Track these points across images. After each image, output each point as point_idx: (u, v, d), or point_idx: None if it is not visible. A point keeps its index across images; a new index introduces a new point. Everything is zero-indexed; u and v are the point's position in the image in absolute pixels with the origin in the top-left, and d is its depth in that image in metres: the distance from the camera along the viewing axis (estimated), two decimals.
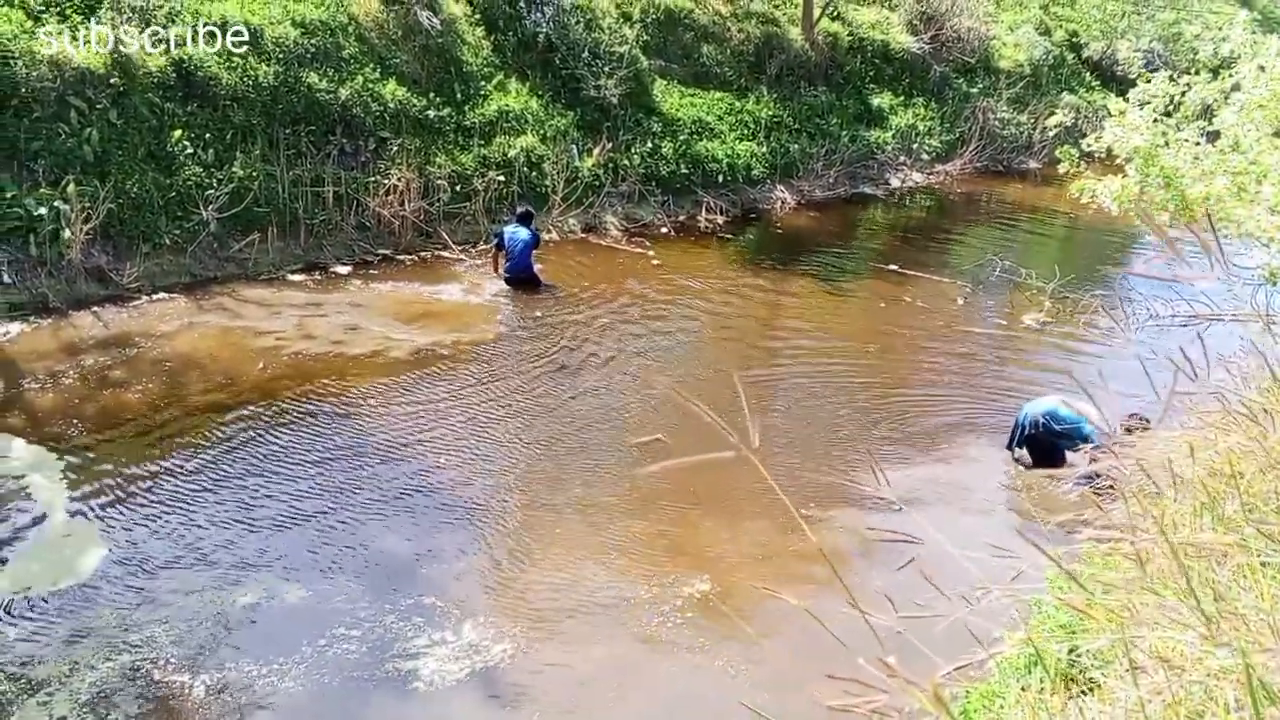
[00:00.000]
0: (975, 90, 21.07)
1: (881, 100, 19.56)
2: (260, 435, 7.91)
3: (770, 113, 17.44)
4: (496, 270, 11.69)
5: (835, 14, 19.93)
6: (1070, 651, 3.34)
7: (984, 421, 9.51)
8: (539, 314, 10.89)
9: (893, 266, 13.82)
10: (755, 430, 2.24)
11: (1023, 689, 3.40)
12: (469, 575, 6.54)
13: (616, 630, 6.16)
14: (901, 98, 19.92)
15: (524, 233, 11.46)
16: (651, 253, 13.40)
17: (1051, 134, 18.95)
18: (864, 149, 18.26)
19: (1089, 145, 8.95)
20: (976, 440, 9.14)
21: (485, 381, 9.24)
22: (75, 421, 7.81)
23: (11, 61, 10.10)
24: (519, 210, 11.97)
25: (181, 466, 7.39)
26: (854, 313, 12.20)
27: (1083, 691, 3.22)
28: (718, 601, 6.38)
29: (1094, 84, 23.85)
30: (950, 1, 21.16)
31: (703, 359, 10.48)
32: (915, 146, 19.30)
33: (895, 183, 18.51)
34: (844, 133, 18.10)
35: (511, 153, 13.62)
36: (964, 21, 21.37)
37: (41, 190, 9.93)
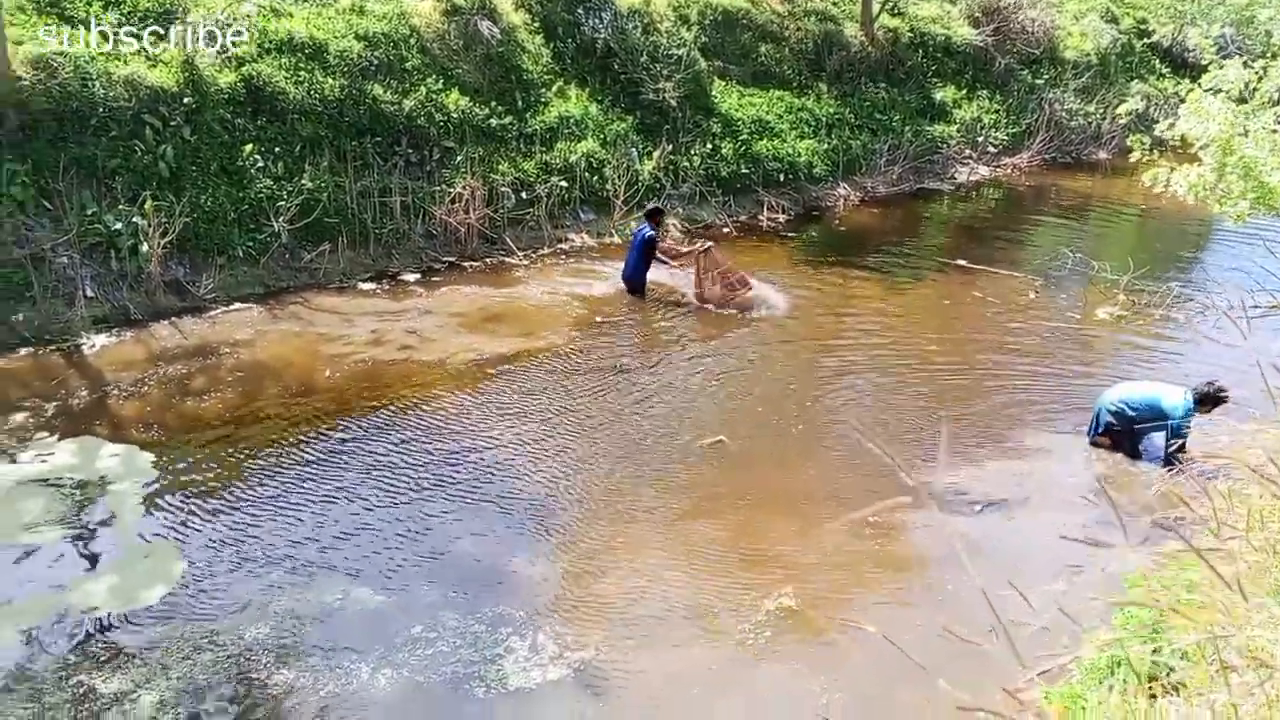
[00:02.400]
0: (1041, 81, 20.65)
1: (944, 94, 19.29)
2: (333, 441, 8.08)
3: (831, 110, 17.32)
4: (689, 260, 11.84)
5: (894, 9, 19.71)
6: (1154, 652, 3.27)
7: (1061, 414, 9.35)
8: (602, 318, 10.93)
9: (960, 262, 13.61)
10: (913, 470, 2.24)
11: (1107, 689, 3.34)
12: (546, 581, 6.58)
13: (698, 637, 6.15)
14: (965, 91, 19.62)
15: (645, 234, 11.45)
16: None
17: (1122, 123, 18.52)
18: (927, 144, 18.02)
19: (1162, 132, 8.73)
20: (1055, 433, 8.98)
21: (551, 386, 9.31)
22: (157, 428, 8.07)
23: (90, 82, 10.47)
24: (647, 207, 12.05)
25: (258, 471, 7.60)
26: (921, 309, 12.03)
27: (1167, 692, 3.15)
28: (799, 610, 6.33)
29: (1164, 71, 23.23)
30: None
31: (765, 358, 10.43)
32: (980, 140, 19.00)
33: (961, 177, 18.23)
34: (906, 128, 17.88)
35: (573, 158, 13.73)
36: (1028, 12, 20.97)
37: (120, 207, 10.27)
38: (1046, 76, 20.87)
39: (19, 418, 8.07)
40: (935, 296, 12.44)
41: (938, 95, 19.19)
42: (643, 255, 11.50)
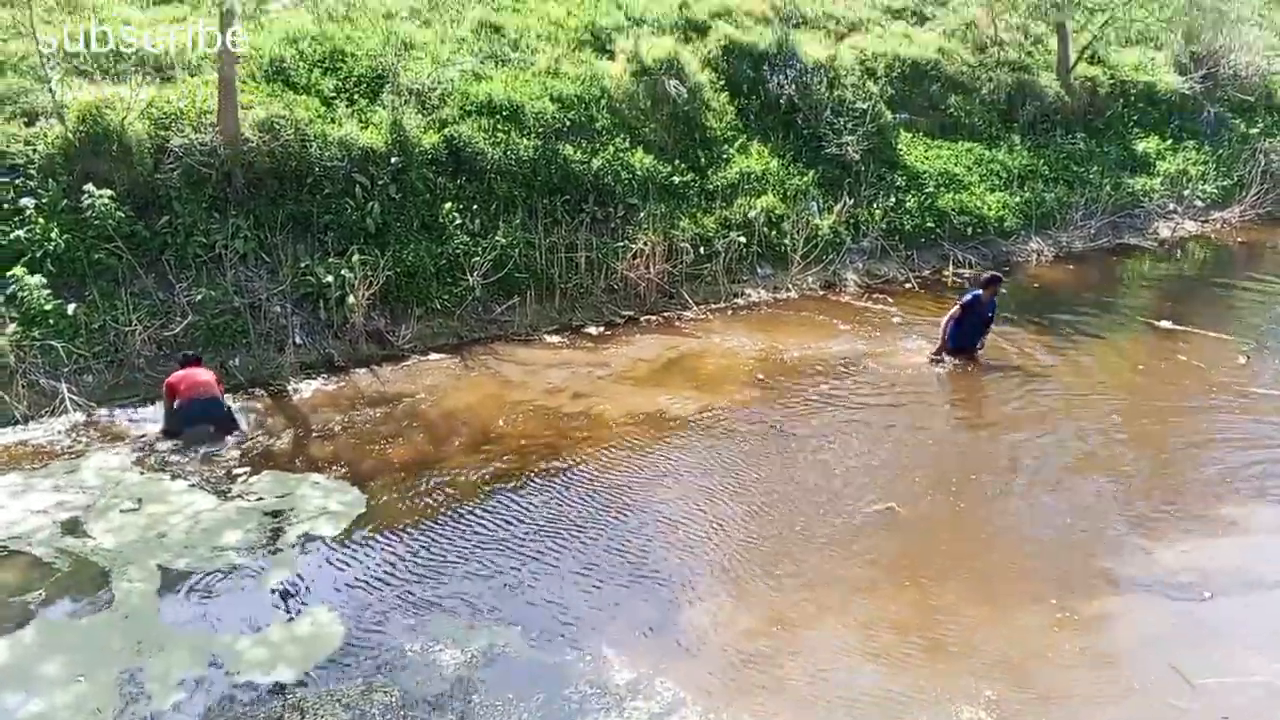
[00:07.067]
0: (1255, 130, 19.34)
1: (1147, 145, 18.34)
2: (508, 491, 8.29)
3: (1023, 162, 16.76)
4: (943, 336, 11.23)
5: (1094, 57, 18.95)
6: None
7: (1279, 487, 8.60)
8: (772, 377, 10.81)
9: (1164, 322, 12.80)
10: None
11: None
12: (720, 652, 6.43)
13: None
14: (1170, 141, 18.60)
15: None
16: (894, 309, 13.11)
17: None
18: (1128, 197, 17.14)
19: None
20: (1274, 510, 8.28)
21: (719, 443, 9.26)
22: (349, 469, 8.52)
23: (309, 144, 11.32)
24: (984, 276, 11.58)
25: (436, 515, 7.86)
26: (1119, 370, 11.34)
27: None
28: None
29: None
30: (1226, 38, 19.58)
31: (940, 422, 10.08)
32: (1187, 193, 17.90)
33: (1165, 232, 17.21)
34: (1105, 181, 17.07)
35: (752, 213, 13.79)
36: (1241, 57, 19.72)
37: (330, 260, 11.01)
38: (1262, 125, 19.53)
39: (228, 453, 8.73)
40: (1135, 358, 11.71)
41: (1139, 146, 18.26)
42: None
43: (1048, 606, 6.88)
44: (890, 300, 13.46)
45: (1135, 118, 18.75)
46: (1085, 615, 6.84)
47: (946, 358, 11.20)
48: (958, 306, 11.15)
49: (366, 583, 7.03)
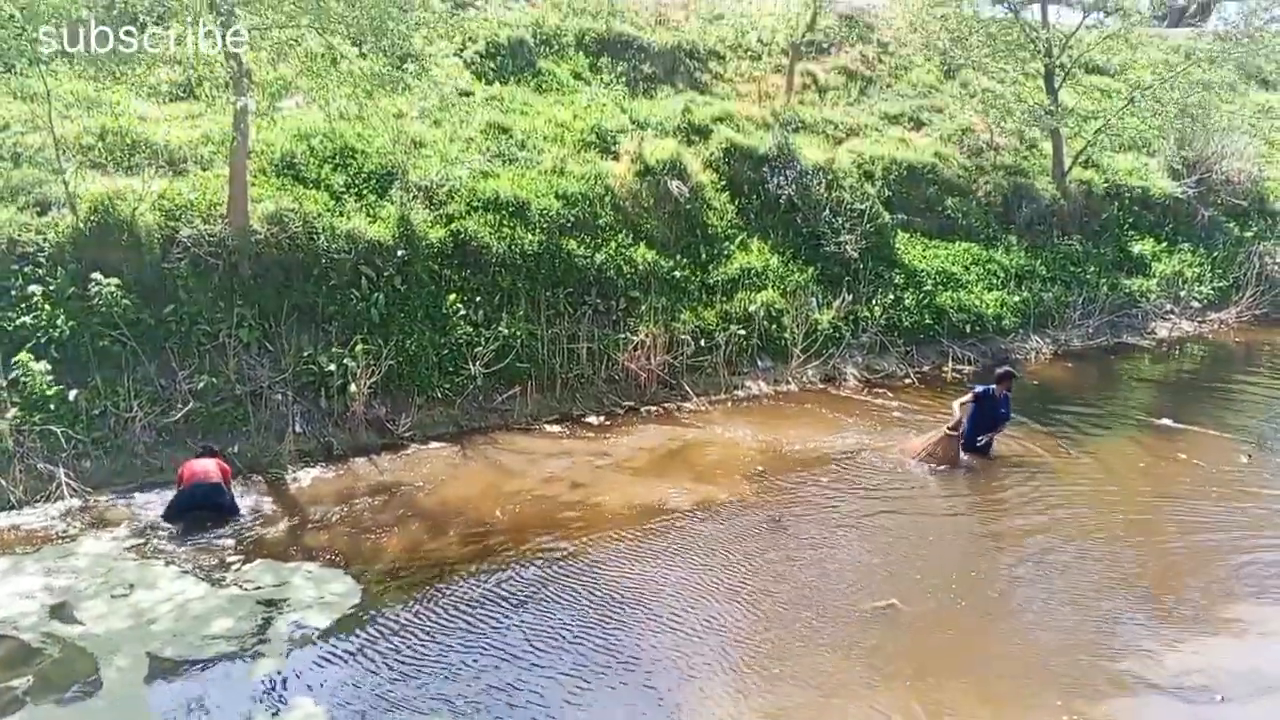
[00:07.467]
0: (1249, 234, 19.68)
1: (1142, 247, 18.63)
2: (501, 584, 8.16)
3: (1020, 262, 17.00)
4: (960, 417, 11.08)
5: (1088, 162, 19.39)
6: None
7: None
8: (770, 470, 10.75)
9: (1164, 421, 12.80)
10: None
11: None
12: None
13: None
14: (1165, 244, 18.91)
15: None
16: (894, 404, 13.13)
17: None
18: (1125, 297, 17.33)
19: None
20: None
21: (716, 537, 9.17)
22: (343, 559, 8.42)
23: (317, 236, 11.52)
24: (997, 371, 11.63)
25: (427, 609, 7.73)
26: (1121, 469, 11.25)
27: None
28: None
29: None
30: (1218, 145, 20.07)
31: (941, 518, 9.98)
32: (1183, 294, 18.10)
33: (1162, 332, 17.35)
34: (1102, 281, 17.30)
35: (752, 307, 13.93)
36: (1233, 163, 20.17)
37: (333, 349, 11.08)
38: (1256, 229, 19.86)
39: (223, 541, 8.65)
40: (1136, 457, 11.65)
41: (1135, 248, 18.55)
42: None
43: (1053, 709, 6.73)
44: (890, 395, 13.49)
45: (1130, 220, 19.08)
46: (1093, 718, 6.67)
47: (964, 456, 11.15)
48: (970, 395, 11.16)
49: (353, 678, 6.87)
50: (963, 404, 11.17)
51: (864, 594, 8.19)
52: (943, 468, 10.96)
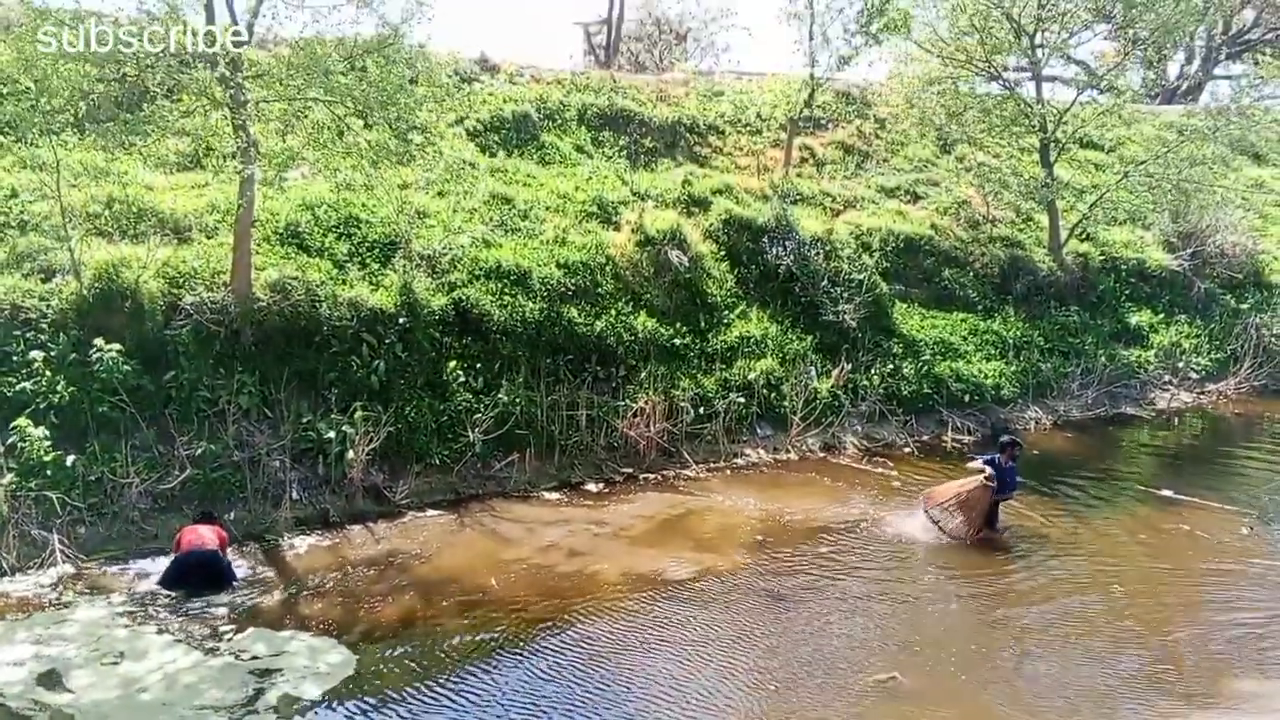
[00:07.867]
0: (1245, 306, 19.79)
1: (1140, 318, 18.74)
2: (493, 656, 8.08)
3: (1018, 332, 17.08)
4: (987, 471, 10.93)
5: (1085, 234, 19.61)
6: None
7: None
8: (770, 539, 10.66)
9: (1165, 492, 12.74)
10: None
11: None
12: None
13: None
14: (1162, 315, 19.01)
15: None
16: (894, 473, 13.09)
17: None
18: (1123, 368, 17.37)
19: None
20: None
21: (714, 607, 9.09)
22: (337, 628, 8.32)
23: (319, 304, 11.60)
24: (1001, 439, 11.60)
25: (418, 681, 7.62)
26: (1122, 541, 11.16)
27: None
28: None
29: None
30: (1212, 218, 20.32)
31: (940, 592, 9.87)
32: (1181, 365, 18.14)
33: (1161, 403, 17.35)
34: (1100, 352, 17.36)
35: (751, 375, 13.98)
36: (1227, 237, 20.39)
37: (333, 416, 11.08)
38: (1252, 301, 19.99)
39: (217, 609, 8.54)
40: (1137, 529, 11.55)
41: (1132, 319, 18.66)
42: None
43: None
44: (890, 464, 13.45)
45: (1127, 292, 19.22)
46: None
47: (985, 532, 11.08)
48: (980, 462, 11.13)
49: None
50: (978, 469, 11.12)
51: (864, 668, 8.08)
52: (942, 540, 10.88)
